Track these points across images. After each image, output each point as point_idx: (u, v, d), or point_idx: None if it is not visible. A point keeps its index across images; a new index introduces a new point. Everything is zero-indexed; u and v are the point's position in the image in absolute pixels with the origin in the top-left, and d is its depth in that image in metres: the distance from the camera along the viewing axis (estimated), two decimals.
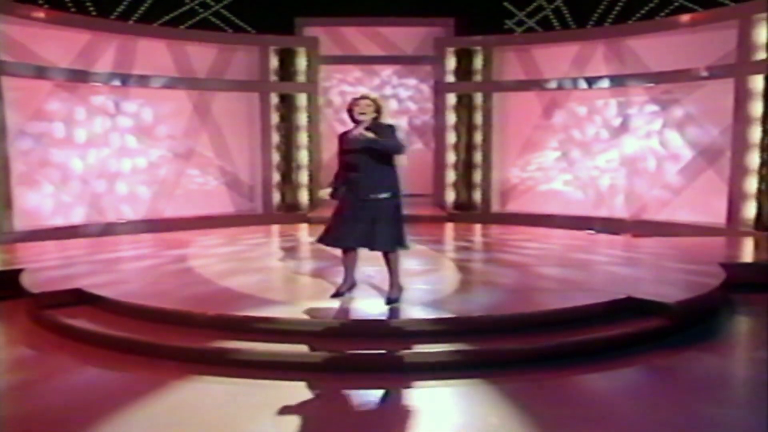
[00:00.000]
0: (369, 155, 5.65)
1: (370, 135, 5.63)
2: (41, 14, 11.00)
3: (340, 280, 6.18)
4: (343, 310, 5.83)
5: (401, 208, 5.78)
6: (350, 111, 5.90)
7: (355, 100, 5.90)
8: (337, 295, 6.07)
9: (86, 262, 8.40)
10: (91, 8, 12.23)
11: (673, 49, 11.47)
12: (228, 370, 5.02)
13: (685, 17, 11.65)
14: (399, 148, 5.71)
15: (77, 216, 11.48)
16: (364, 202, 5.64)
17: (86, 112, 11.62)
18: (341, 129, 15.61)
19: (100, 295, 6.34)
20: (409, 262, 7.46)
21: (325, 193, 6.02)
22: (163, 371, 5.01)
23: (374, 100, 5.86)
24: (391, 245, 5.78)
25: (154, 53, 12.23)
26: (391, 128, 5.79)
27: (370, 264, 6.50)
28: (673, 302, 5.99)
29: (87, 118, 11.63)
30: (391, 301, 5.90)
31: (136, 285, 7.06)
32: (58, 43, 11.11)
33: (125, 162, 12.13)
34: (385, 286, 6.06)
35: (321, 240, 5.92)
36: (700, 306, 6.29)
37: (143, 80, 12.08)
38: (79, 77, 11.38)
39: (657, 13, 12.54)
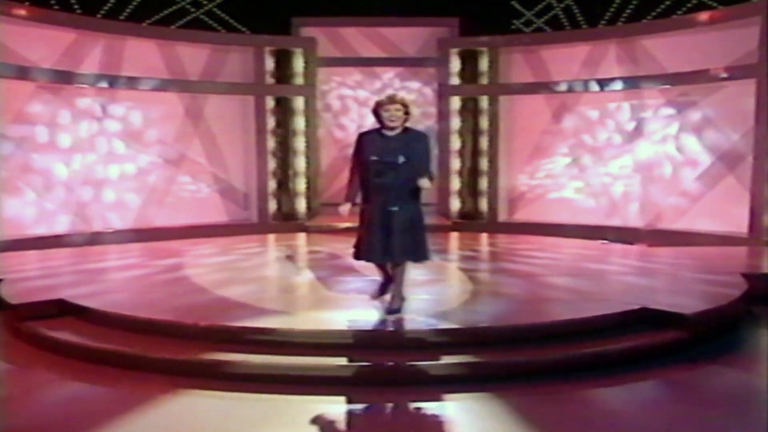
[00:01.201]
0: (404, 167, 5.70)
1: (427, 185, 5.67)
2: (22, 11, 11.00)
3: (339, 289, 6.19)
4: (343, 321, 5.83)
5: (423, 217, 5.91)
6: (377, 114, 5.82)
7: (383, 104, 5.79)
8: (376, 297, 6.21)
9: (70, 272, 8.39)
10: (76, 6, 12.24)
11: (691, 49, 11.48)
12: (220, 383, 5.01)
13: (703, 15, 11.66)
14: (432, 179, 5.74)
15: (61, 225, 11.46)
16: (392, 211, 5.71)
17: (71, 115, 11.62)
18: (340, 134, 15.71)
19: (84, 306, 6.33)
20: (412, 272, 7.45)
21: (345, 209, 5.97)
22: (152, 385, 4.99)
23: (404, 104, 5.79)
24: (419, 255, 5.88)
25: (143, 54, 12.23)
26: (426, 145, 5.83)
27: (370, 271, 6.48)
28: (691, 313, 5.98)
29: (72, 122, 11.62)
30: (393, 311, 5.92)
31: (123, 295, 7.06)
32: (41, 42, 11.11)
33: (113, 168, 12.11)
34: (387, 295, 6.07)
35: (359, 256, 5.96)
36: (719, 318, 6.26)
37: (132, 82, 12.09)
38: (63, 78, 11.38)
39: (673, 11, 12.54)
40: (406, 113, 5.79)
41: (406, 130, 5.82)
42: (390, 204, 5.71)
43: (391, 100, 5.77)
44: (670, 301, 6.40)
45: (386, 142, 5.77)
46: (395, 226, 5.71)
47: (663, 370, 5.35)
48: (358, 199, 6.02)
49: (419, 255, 5.88)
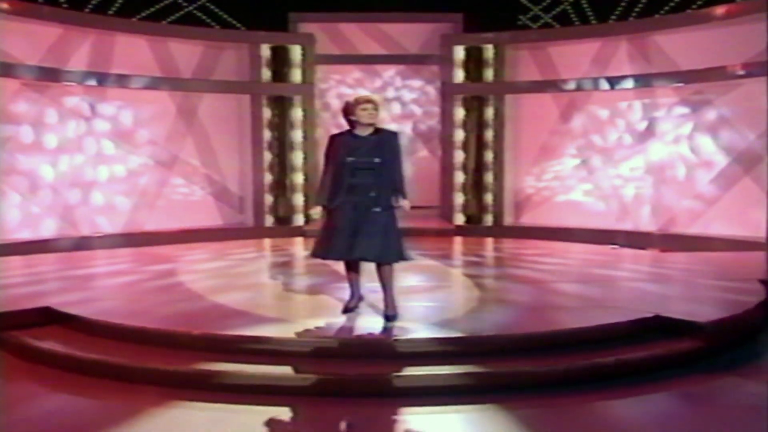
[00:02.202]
0: (379, 167, 5.85)
1: (406, 205, 5.97)
2: (5, 5, 10.95)
3: (337, 296, 6.20)
4: (340, 330, 5.84)
5: (397, 217, 6.01)
6: (351, 113, 5.96)
7: (359, 102, 5.93)
8: (347, 311, 6.17)
9: (57, 279, 8.39)
10: None
11: (706, 45, 11.46)
12: (214, 395, 4.99)
13: (719, 9, 11.63)
14: (405, 196, 5.99)
15: (47, 229, 11.45)
16: (369, 212, 5.80)
17: (58, 114, 11.62)
18: None
19: (72, 314, 6.31)
20: (414, 278, 7.48)
21: (317, 213, 6.09)
22: (142, 397, 4.97)
23: (379, 104, 5.98)
24: (395, 256, 5.91)
25: (133, 50, 12.24)
26: (397, 145, 6.01)
27: (370, 278, 6.49)
28: (707, 322, 5.96)
29: (59, 122, 11.63)
30: (390, 318, 5.97)
31: (112, 303, 7.05)
32: (25, 38, 11.07)
33: (102, 170, 12.12)
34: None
35: (318, 253, 6.03)
36: (737, 326, 6.25)
37: (122, 80, 12.09)
38: (49, 76, 11.37)
39: (687, 6, 12.50)
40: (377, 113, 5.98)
41: (377, 130, 5.99)
42: (370, 205, 5.81)
43: (366, 99, 5.95)
44: (684, 309, 6.40)
45: (360, 143, 5.92)
46: (367, 225, 5.78)
47: (677, 381, 5.32)
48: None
49: (390, 255, 5.90)
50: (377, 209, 5.82)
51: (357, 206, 5.83)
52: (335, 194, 5.93)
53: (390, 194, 5.93)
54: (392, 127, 6.25)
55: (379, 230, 5.79)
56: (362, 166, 5.86)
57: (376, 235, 5.78)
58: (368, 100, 5.94)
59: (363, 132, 5.95)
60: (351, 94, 15.07)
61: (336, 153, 5.99)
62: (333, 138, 6.12)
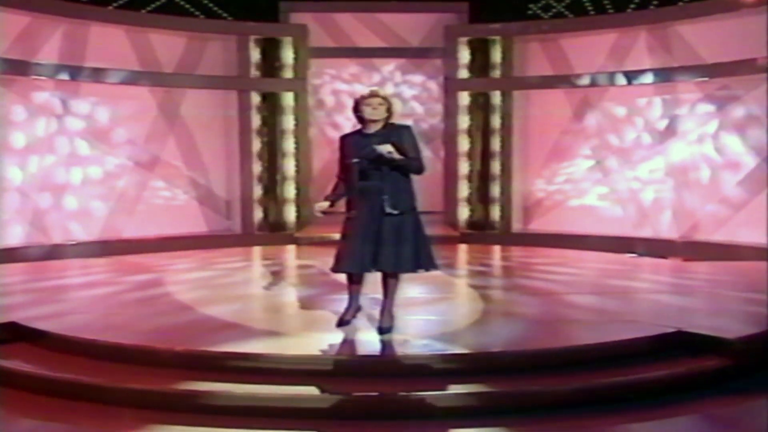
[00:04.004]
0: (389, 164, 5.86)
1: (397, 156, 5.80)
2: None
3: (333, 309, 6.21)
4: (336, 345, 5.85)
5: (422, 220, 6.05)
6: (358, 110, 6.03)
7: (364, 97, 6.01)
8: (342, 323, 6.20)
9: (25, 291, 8.36)
10: None
11: (733, 36, 11.43)
12: (198, 417, 4.97)
13: None
14: (421, 170, 6.01)
15: (14, 236, 11.37)
16: (386, 216, 5.83)
17: (26, 111, 11.54)
18: (334, 134, 15.73)
19: (41, 330, 6.29)
20: (415, 289, 7.46)
21: (321, 207, 6.11)
22: (119, 421, 4.96)
23: (386, 98, 6.03)
24: (421, 265, 6.00)
25: (110, 42, 12.19)
26: (411, 136, 6.03)
27: (368, 287, 6.49)
28: (735, 338, 5.96)
29: (27, 119, 11.55)
30: (384, 330, 6.03)
31: (87, 317, 7.02)
32: None
33: (75, 172, 12.06)
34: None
35: (338, 267, 6.04)
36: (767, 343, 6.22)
37: (97, 74, 12.03)
38: (16, 69, 11.27)
39: None
40: (388, 110, 6.00)
41: (387, 126, 6.02)
42: (386, 208, 5.82)
43: (372, 94, 6.01)
44: (710, 324, 6.39)
45: (368, 141, 5.93)
46: (386, 232, 5.82)
47: (702, 403, 5.31)
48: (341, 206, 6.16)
49: (423, 262, 6.00)
50: (394, 212, 5.84)
51: (372, 211, 5.86)
52: (349, 200, 6.01)
53: (409, 195, 5.97)
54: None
55: (403, 236, 5.85)
56: (371, 167, 5.88)
57: (396, 241, 5.84)
58: (373, 94, 5.99)
59: (371, 129, 5.99)
60: (346, 90, 15.33)
61: (345, 154, 6.07)
62: (342, 139, 6.22)
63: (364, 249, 5.85)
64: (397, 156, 5.79)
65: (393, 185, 5.89)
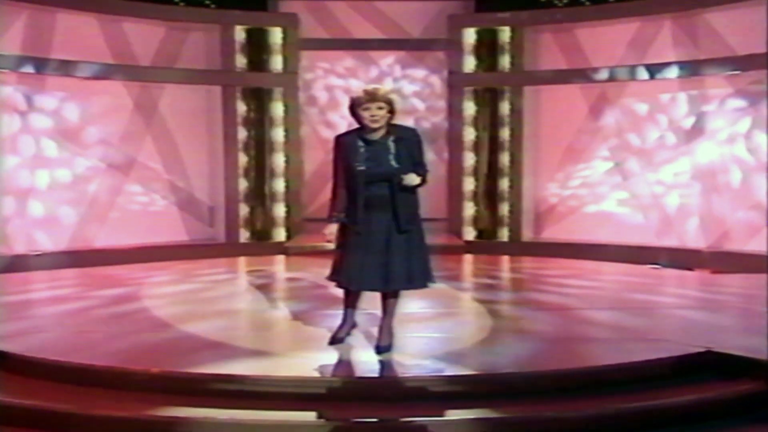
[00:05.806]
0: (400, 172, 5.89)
1: (417, 180, 5.88)
2: None
3: (327, 325, 6.23)
4: (330, 366, 5.85)
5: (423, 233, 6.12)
6: (355, 112, 5.97)
7: (362, 102, 5.91)
8: (335, 341, 6.23)
9: None
10: None
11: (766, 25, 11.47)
12: None
13: None
14: (426, 181, 6.03)
15: None
16: (395, 231, 5.89)
17: None
18: (327, 133, 15.70)
19: (1, 351, 6.23)
20: (416, 303, 7.45)
21: (331, 232, 6.07)
22: None
23: (386, 101, 5.93)
24: (422, 281, 6.06)
25: (80, 31, 12.18)
26: (419, 143, 6.07)
27: (364, 303, 6.49)
28: None
29: None
30: (382, 349, 6.05)
31: (52, 335, 7.01)
32: None
33: (41, 175, 12.04)
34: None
35: (340, 281, 6.08)
36: None
37: (65, 67, 12.00)
38: None
39: None
40: (390, 111, 5.95)
41: (391, 128, 5.99)
42: (395, 222, 5.87)
43: (372, 97, 5.89)
44: (741, 343, 6.37)
45: (372, 146, 5.93)
46: (398, 247, 5.87)
47: (734, 430, 5.30)
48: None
49: (427, 277, 6.07)
50: (405, 226, 5.89)
51: (379, 224, 5.88)
52: (353, 211, 5.95)
53: (417, 206, 6.03)
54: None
55: (412, 251, 5.92)
56: (377, 176, 5.88)
57: (407, 257, 5.89)
58: (374, 98, 5.88)
59: (373, 135, 5.94)
60: (341, 85, 15.33)
61: (345, 160, 5.99)
62: (339, 140, 6.10)
63: (371, 264, 5.86)
64: (417, 180, 5.86)
65: (404, 198, 5.91)
